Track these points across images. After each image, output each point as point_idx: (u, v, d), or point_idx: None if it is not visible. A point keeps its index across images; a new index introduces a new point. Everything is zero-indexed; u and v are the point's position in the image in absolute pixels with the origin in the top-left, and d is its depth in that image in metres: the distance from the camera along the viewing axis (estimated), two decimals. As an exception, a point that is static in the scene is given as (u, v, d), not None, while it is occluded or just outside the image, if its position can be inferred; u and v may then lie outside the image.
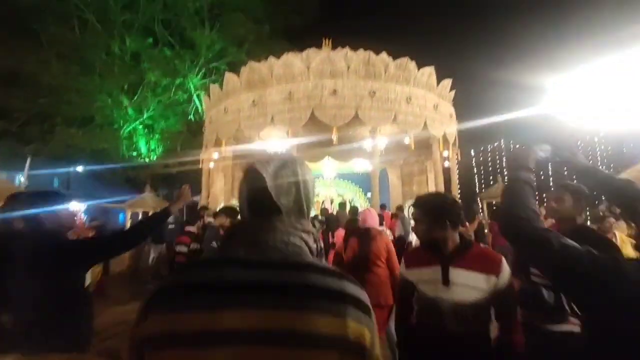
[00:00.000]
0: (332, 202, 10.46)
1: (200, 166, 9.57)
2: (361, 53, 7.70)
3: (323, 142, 8.19)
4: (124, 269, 8.14)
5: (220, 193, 9.52)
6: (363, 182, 11.72)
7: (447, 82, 8.32)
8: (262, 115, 7.38)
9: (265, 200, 0.67)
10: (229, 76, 8.09)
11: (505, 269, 1.38)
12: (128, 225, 11.12)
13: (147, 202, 12.19)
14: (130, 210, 12.83)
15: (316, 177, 11.74)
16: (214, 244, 3.36)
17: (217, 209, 8.12)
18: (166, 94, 16.78)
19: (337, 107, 6.99)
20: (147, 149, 17.54)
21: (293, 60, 7.36)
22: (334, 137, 7.10)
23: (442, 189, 8.19)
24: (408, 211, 10.10)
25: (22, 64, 13.01)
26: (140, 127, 17.14)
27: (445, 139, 8.23)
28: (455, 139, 8.62)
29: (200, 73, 17.50)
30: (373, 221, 3.15)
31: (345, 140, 8.30)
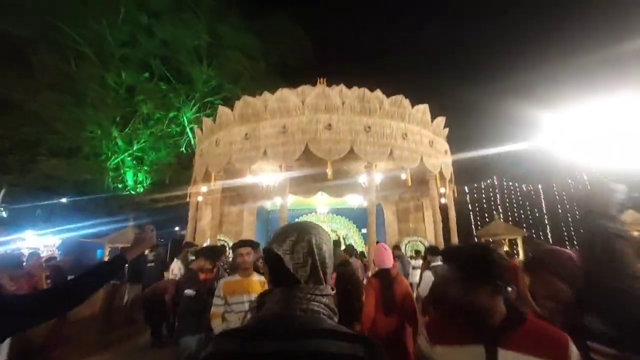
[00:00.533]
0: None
1: (188, 199, 9.16)
2: (355, 90, 7.75)
3: (317, 176, 7.94)
4: (95, 311, 7.32)
5: (208, 227, 9.02)
6: (357, 217, 11.39)
7: (441, 120, 8.38)
8: (254, 149, 7.16)
9: (284, 274, 0.78)
10: (222, 109, 7.98)
11: (574, 351, 1.01)
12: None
13: (129, 237, 11.53)
14: (110, 245, 12.12)
15: (309, 212, 11.40)
16: (189, 292, 2.88)
17: (204, 245, 7.62)
18: (159, 126, 16.73)
19: (332, 141, 6.83)
20: (135, 181, 17.06)
21: (288, 95, 7.32)
22: (329, 171, 6.86)
23: (440, 226, 7.90)
24: (405, 249, 9.71)
25: (9, 91, 12.80)
26: (129, 158, 16.81)
27: (441, 176, 8.10)
28: (451, 176, 8.50)
29: (195, 107, 17.65)
30: (390, 260, 2.85)
31: (339, 175, 8.08)
